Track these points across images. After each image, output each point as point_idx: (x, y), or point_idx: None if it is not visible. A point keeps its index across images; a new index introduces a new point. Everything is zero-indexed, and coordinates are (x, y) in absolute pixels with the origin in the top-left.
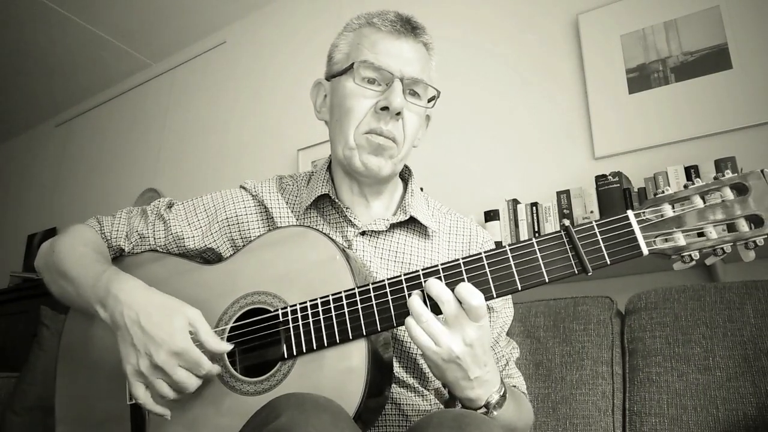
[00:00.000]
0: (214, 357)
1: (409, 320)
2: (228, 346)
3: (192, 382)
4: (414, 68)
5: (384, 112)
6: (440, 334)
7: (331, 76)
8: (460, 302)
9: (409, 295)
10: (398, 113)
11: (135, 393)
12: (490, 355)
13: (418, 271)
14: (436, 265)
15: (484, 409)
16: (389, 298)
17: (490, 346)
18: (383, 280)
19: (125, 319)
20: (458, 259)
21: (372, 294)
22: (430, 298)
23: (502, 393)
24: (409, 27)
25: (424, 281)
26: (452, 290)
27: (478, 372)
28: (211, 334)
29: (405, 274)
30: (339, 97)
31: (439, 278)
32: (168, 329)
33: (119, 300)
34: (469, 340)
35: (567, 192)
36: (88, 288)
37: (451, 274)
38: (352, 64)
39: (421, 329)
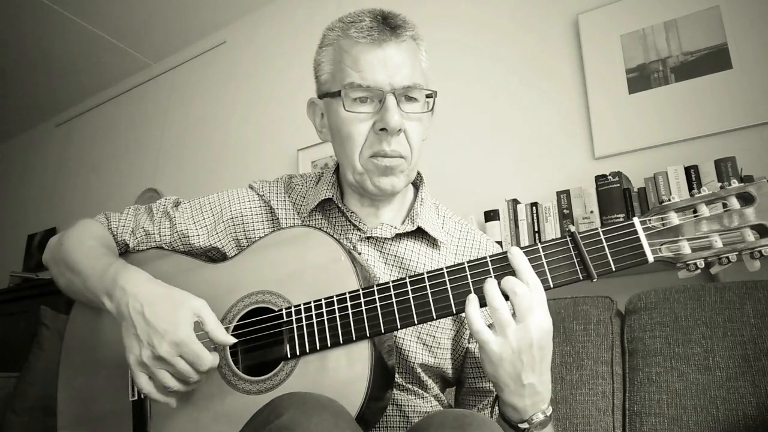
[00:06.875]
0: (216, 350)
1: (471, 308)
2: (232, 339)
3: (193, 374)
4: (403, 74)
5: (384, 133)
6: (508, 324)
7: (322, 95)
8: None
9: (415, 297)
10: (399, 130)
11: (138, 383)
12: (549, 368)
13: (422, 273)
14: (441, 269)
15: (525, 425)
16: (393, 300)
17: (550, 359)
18: (387, 282)
19: (130, 310)
20: (463, 263)
21: (376, 296)
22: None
23: (548, 414)
24: (387, 29)
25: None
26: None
27: (533, 378)
28: (217, 325)
29: (409, 277)
30: (334, 122)
31: (444, 281)
32: (171, 320)
33: (126, 291)
34: (528, 340)
35: (567, 192)
36: (95, 280)
37: (456, 278)
38: (339, 90)
39: (482, 318)
